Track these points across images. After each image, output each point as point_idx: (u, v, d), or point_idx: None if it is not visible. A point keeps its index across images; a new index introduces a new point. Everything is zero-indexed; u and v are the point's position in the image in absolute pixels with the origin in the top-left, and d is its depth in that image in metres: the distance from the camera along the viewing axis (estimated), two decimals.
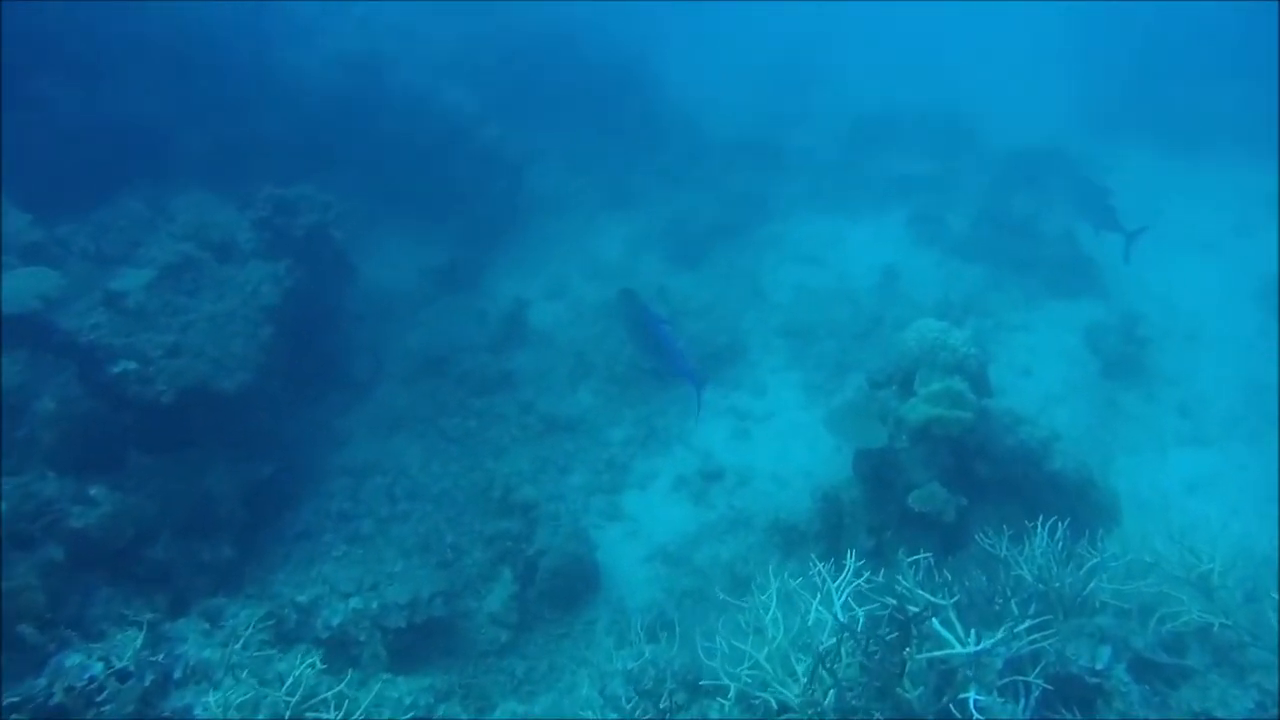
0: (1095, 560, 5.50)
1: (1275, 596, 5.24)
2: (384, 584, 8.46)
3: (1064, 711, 4.70)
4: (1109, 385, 11.61)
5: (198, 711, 5.89)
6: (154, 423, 8.44)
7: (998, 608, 5.10)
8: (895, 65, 23.96)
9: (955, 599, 4.62)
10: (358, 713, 5.99)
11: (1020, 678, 4.44)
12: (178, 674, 6.14)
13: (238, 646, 6.53)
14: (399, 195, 15.66)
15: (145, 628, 6.22)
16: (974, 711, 4.09)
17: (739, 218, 15.81)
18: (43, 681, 5.78)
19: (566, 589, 8.84)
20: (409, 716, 6.98)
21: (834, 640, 4.54)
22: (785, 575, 5.23)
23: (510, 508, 9.45)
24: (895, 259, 14.30)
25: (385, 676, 7.41)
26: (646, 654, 5.91)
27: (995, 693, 4.36)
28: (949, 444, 6.81)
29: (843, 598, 4.68)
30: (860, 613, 4.61)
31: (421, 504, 10.17)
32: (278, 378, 10.16)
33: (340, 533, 9.57)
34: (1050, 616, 4.92)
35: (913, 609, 4.44)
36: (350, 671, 6.60)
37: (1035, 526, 5.65)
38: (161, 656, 6.14)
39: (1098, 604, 5.38)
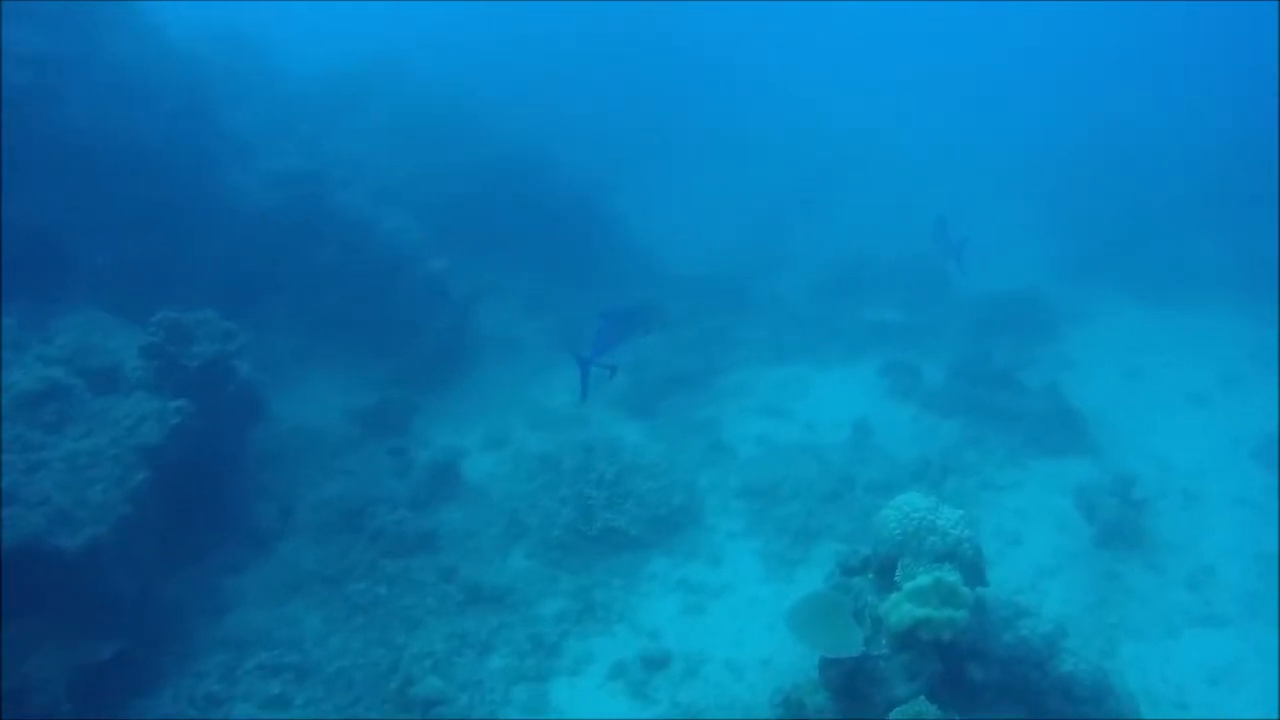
0: None
1: None
2: None
3: None
4: (1106, 555, 10.34)
5: None
6: None
7: None
8: (869, 211, 23.60)
9: None
10: None
11: None
12: None
13: None
14: (333, 327, 14.48)
15: None
16: None
17: (700, 364, 14.72)
18: None
19: None
20: None
21: None
22: None
23: (409, 703, 7.87)
24: (867, 411, 13.16)
25: None
26: None
27: None
28: (938, 649, 5.44)
29: None
30: None
31: (310, 687, 8.57)
32: (150, 531, 8.68)
33: None
34: None
35: None
36: None
37: None
38: None
39: None
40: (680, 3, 33.19)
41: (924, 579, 5.23)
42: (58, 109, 11.76)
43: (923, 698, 5.38)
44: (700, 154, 27.38)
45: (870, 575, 5.91)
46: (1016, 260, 19.82)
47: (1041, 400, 12.95)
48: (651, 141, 26.46)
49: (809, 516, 10.74)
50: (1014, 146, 28.24)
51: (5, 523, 6.91)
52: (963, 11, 43.28)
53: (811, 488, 11.22)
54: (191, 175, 13.56)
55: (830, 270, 19.05)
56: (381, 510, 10.82)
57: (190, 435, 9.19)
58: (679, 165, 26.17)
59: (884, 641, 5.45)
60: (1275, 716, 8.42)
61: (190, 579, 9.62)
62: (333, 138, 17.16)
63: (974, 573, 5.68)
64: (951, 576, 5.29)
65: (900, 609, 5.22)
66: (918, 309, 17.39)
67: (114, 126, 12.58)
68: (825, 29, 41.59)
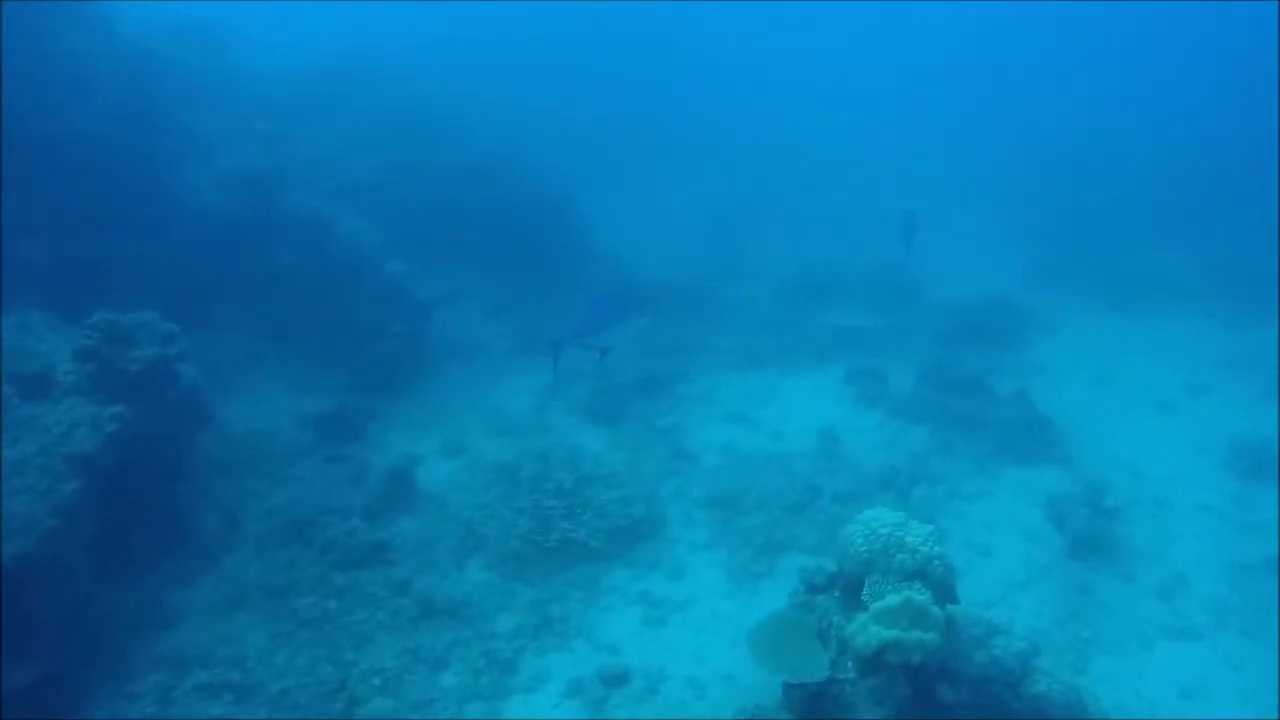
0: None
1: None
2: None
3: None
4: (1078, 566, 10.12)
5: None
6: None
7: None
8: (839, 215, 23.46)
9: None
10: None
11: None
12: None
13: None
14: (288, 330, 14.11)
15: None
16: None
17: (664, 371, 14.40)
18: None
19: None
20: None
21: None
22: None
23: None
24: (834, 419, 12.90)
25: None
26: None
27: None
28: (907, 672, 5.15)
29: None
30: None
31: (252, 708, 8.15)
32: (83, 545, 8.24)
33: None
34: None
35: None
36: None
37: None
38: None
39: None
40: (653, 5, 33.00)
41: (893, 599, 4.93)
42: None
43: None
44: (672, 158, 27.23)
45: (836, 593, 5.62)
46: (985, 266, 19.73)
47: (1010, 407, 12.76)
48: (623, 145, 26.25)
49: (774, 527, 10.44)
50: (983, 150, 28.26)
51: None
52: (934, 16, 43.44)
53: (777, 498, 10.92)
54: (143, 173, 13.11)
55: (799, 275, 18.90)
56: (333, 520, 10.42)
57: (129, 443, 8.76)
58: (650, 169, 25.98)
59: (850, 664, 5.16)
60: None
61: (129, 594, 9.17)
62: (296, 137, 16.71)
63: (944, 591, 5.40)
64: (921, 596, 5.01)
65: (868, 631, 4.93)
66: (886, 314, 17.23)
67: (57, 121, 12.11)
68: (799, 34, 41.62)
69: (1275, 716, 8.35)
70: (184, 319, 9.99)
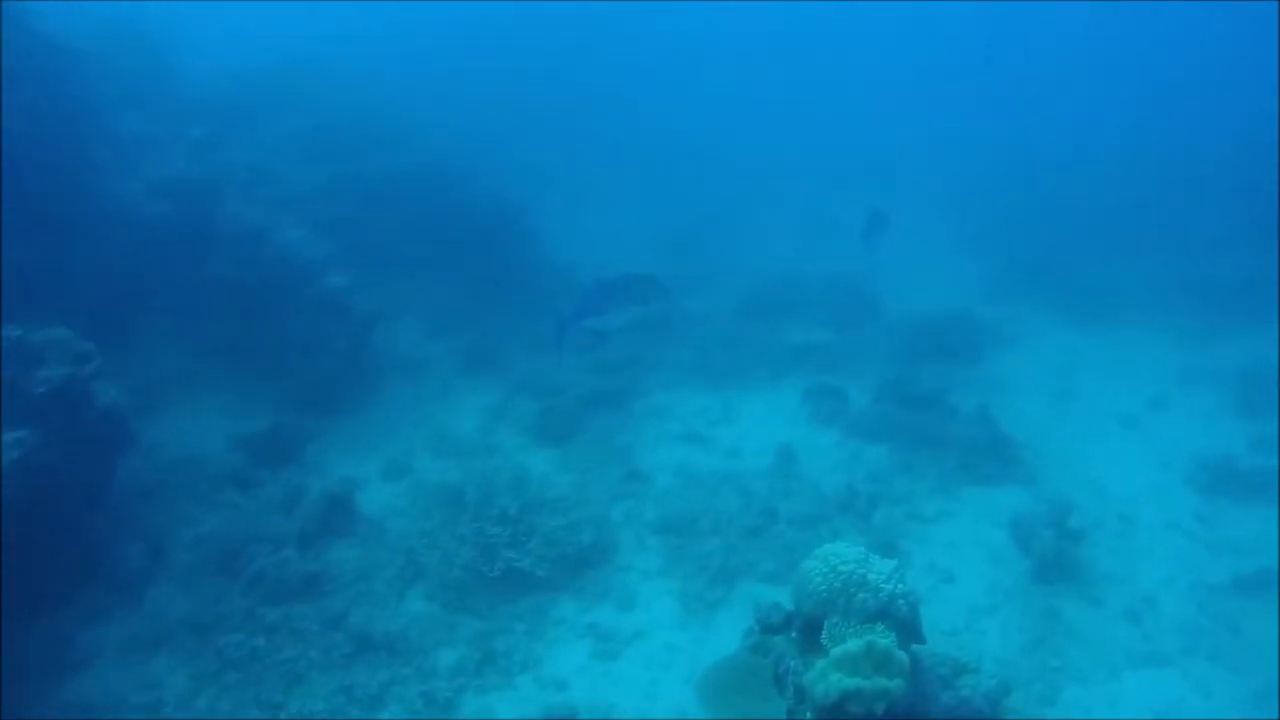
0: None
1: None
2: None
3: None
4: (1044, 590, 9.75)
5: None
6: None
7: None
8: (798, 227, 23.18)
9: None
10: None
11: None
12: None
13: None
14: (222, 347, 13.44)
15: None
16: None
17: (617, 388, 13.90)
18: None
19: None
20: None
21: None
22: None
23: None
24: (792, 437, 12.48)
25: None
26: None
27: None
28: None
29: None
30: None
31: None
32: None
33: None
34: None
35: None
36: None
37: None
38: None
39: None
40: (606, 8, 32.67)
41: (854, 644, 4.47)
42: None
43: None
44: (635, 167, 26.73)
45: (793, 634, 5.15)
46: (945, 277, 19.47)
47: (972, 425, 12.43)
48: (577, 156, 25.72)
49: (729, 553, 9.96)
50: (943, 155, 28.14)
51: None
52: (890, 21, 43.49)
53: (732, 522, 10.46)
54: (66, 179, 12.37)
55: (758, 287, 18.46)
56: (264, 550, 9.81)
57: (35, 470, 8.13)
58: (605, 180, 25.44)
59: (809, 714, 4.70)
60: None
61: (37, 633, 8.53)
62: (235, 143, 16.09)
63: (909, 631, 4.95)
64: (884, 640, 4.55)
65: (827, 679, 4.46)
66: (845, 328, 16.87)
67: None
68: (766, 40, 41.52)
69: None
70: (110, 334, 9.46)
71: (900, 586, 4.88)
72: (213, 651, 8.66)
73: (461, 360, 15.03)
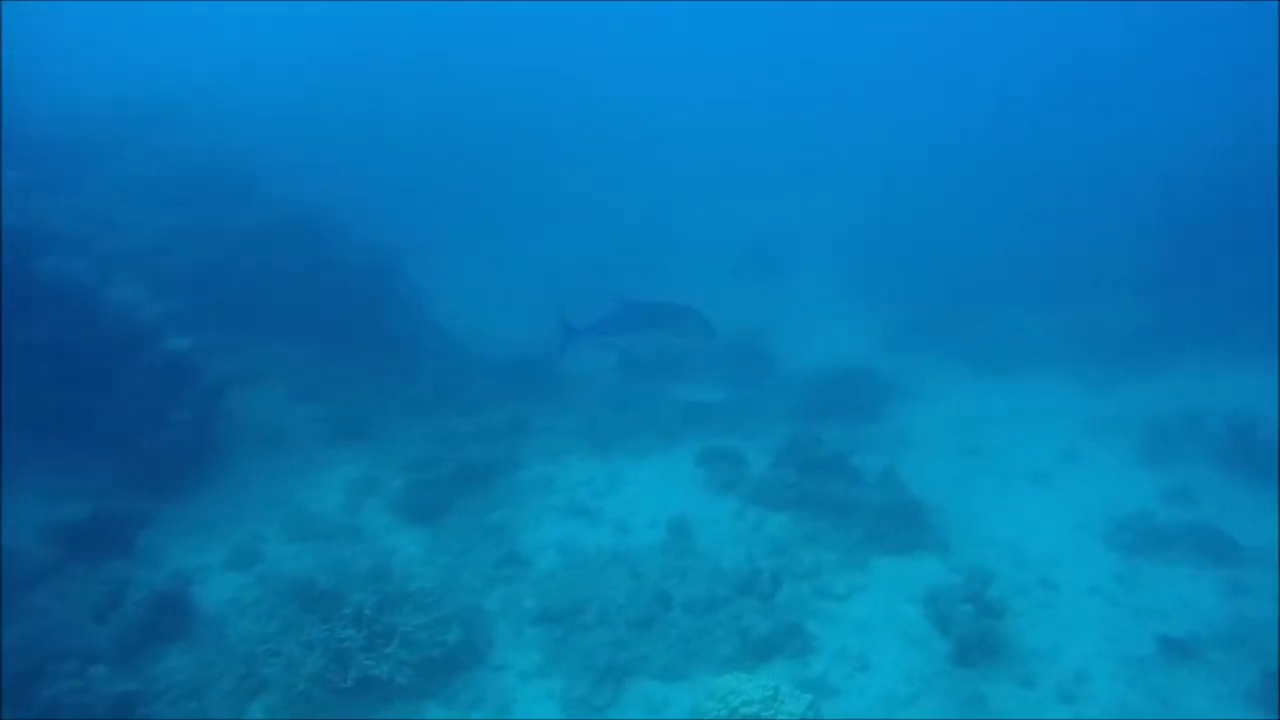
0: None
1: None
2: None
3: None
4: (968, 674, 8.80)
5: None
6: None
7: None
8: (687, 269, 22.38)
9: None
10: None
11: None
12: None
13: None
14: (41, 420, 11.70)
15: None
16: None
17: (497, 457, 12.64)
18: None
19: None
20: None
21: None
22: None
23: None
24: (686, 508, 11.38)
25: None
26: None
27: None
28: None
29: None
30: None
31: None
32: None
33: None
34: None
35: None
36: None
37: None
38: None
39: None
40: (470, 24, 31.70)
41: None
42: None
43: None
44: (513, 219, 25.71)
45: None
46: (841, 327, 18.89)
47: (879, 488, 11.57)
48: (455, 207, 24.57)
49: (618, 647, 8.72)
50: (835, 189, 27.82)
51: None
52: (788, 36, 43.38)
53: (621, 610, 9.21)
54: None
55: None
56: (66, 669, 8.20)
57: None
58: (486, 231, 24.31)
59: None
60: None
61: None
62: (70, 189, 14.45)
63: None
64: None
65: None
66: (739, 385, 16.03)
67: None
68: (645, 68, 41.08)
69: None
70: None
71: None
72: None
73: (328, 428, 13.58)
